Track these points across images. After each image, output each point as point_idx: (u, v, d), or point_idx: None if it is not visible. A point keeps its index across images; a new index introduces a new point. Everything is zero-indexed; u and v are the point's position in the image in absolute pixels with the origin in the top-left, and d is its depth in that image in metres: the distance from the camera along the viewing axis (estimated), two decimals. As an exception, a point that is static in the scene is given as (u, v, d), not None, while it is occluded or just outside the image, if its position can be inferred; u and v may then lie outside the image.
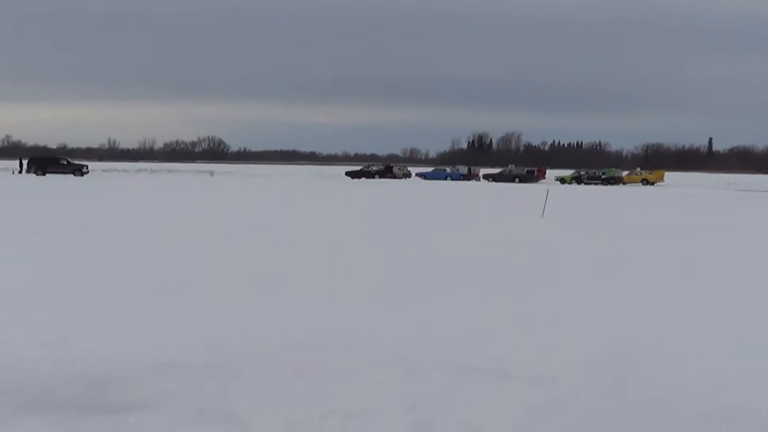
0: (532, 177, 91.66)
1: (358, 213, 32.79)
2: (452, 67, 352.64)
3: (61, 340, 9.43)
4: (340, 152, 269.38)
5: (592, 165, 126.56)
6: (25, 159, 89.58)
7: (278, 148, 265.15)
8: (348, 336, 9.99)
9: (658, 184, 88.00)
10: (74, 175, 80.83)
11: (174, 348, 9.17)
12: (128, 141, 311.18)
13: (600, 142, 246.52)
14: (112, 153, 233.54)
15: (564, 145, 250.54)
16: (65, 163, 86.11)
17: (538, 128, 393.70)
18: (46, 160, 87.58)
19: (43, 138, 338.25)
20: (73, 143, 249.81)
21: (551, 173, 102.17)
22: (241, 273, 14.76)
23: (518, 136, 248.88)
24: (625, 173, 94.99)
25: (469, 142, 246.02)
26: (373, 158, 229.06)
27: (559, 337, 10.17)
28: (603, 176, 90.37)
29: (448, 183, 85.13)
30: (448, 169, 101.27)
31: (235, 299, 12.15)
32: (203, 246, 19.04)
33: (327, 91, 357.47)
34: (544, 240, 22.63)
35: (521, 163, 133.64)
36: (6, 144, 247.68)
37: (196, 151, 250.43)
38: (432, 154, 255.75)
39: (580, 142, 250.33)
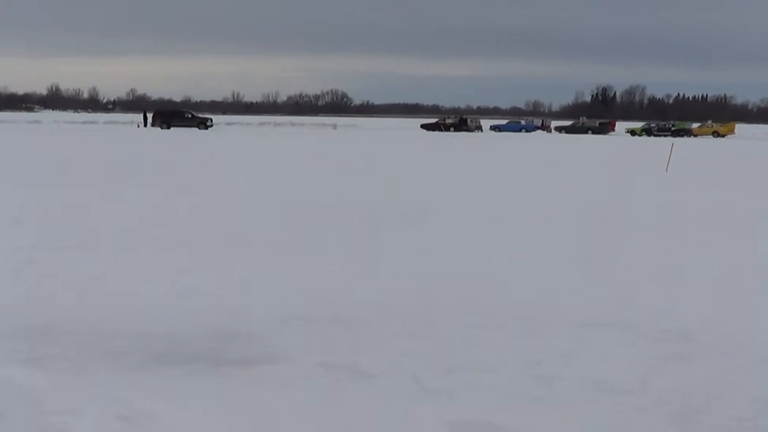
0: (605, 129, 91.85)
1: (465, 167, 32.62)
2: (577, 19, 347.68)
3: (191, 292, 9.63)
4: (462, 105, 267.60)
5: (717, 117, 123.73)
6: (149, 112, 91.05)
7: (401, 101, 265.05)
8: (472, 291, 9.98)
9: (728, 136, 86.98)
10: (198, 128, 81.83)
11: (299, 301, 9.24)
12: (252, 94, 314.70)
13: (725, 95, 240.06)
14: (236, 106, 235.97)
15: (689, 98, 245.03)
16: (189, 116, 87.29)
17: (663, 81, 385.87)
18: (170, 114, 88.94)
19: (167, 91, 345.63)
20: (197, 96, 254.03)
21: (637, 125, 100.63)
22: (358, 226, 14.80)
23: (642, 89, 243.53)
24: (695, 125, 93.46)
25: (592, 95, 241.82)
26: (495, 111, 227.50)
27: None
28: (673, 128, 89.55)
29: (529, 135, 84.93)
30: (523, 121, 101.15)
31: (352, 253, 12.20)
32: (321, 201, 19.13)
33: (450, 43, 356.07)
34: (682, 196, 22.20)
35: (645, 117, 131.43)
36: (131, 97, 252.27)
37: (319, 104, 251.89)
38: (555, 107, 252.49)
39: (705, 95, 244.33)
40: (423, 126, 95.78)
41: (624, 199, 20.39)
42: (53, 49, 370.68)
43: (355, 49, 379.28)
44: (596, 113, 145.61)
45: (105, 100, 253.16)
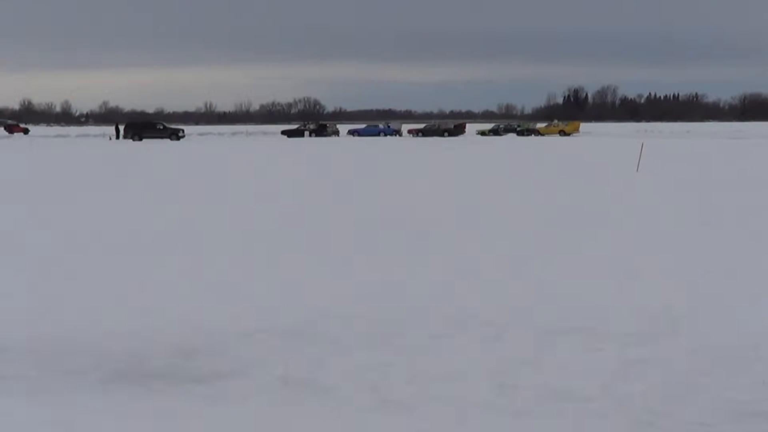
0: (460, 130, 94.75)
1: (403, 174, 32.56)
2: (548, 21, 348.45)
3: (151, 307, 9.52)
4: (435, 110, 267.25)
5: (688, 117, 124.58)
6: (121, 125, 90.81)
7: (373, 108, 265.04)
8: (431, 297, 9.93)
9: (573, 134, 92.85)
10: (170, 139, 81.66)
11: (256, 315, 9.15)
12: (225, 104, 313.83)
13: (697, 93, 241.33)
14: (209, 116, 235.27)
15: (660, 97, 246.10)
16: (161, 127, 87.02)
17: (635, 81, 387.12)
18: (142, 126, 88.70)
19: (140, 103, 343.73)
20: (169, 107, 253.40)
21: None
22: (308, 236, 14.72)
23: (614, 90, 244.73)
24: (542, 125, 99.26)
25: (564, 97, 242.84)
26: (468, 115, 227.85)
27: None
28: (518, 128, 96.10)
29: (385, 139, 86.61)
30: (381, 125, 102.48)
31: (308, 263, 12.12)
32: (283, 208, 19.04)
33: (422, 48, 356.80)
34: (663, 196, 22.24)
35: (617, 117, 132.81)
36: (104, 110, 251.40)
37: (292, 112, 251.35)
38: (528, 110, 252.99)
39: (676, 93, 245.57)
40: (284, 132, 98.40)
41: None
42: (25, 63, 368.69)
43: (327, 56, 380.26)
44: (568, 115, 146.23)
45: (78, 114, 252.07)
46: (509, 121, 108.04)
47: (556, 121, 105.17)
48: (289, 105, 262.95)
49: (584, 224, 16.01)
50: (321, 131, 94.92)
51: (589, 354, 7.72)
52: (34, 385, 6.98)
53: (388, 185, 25.90)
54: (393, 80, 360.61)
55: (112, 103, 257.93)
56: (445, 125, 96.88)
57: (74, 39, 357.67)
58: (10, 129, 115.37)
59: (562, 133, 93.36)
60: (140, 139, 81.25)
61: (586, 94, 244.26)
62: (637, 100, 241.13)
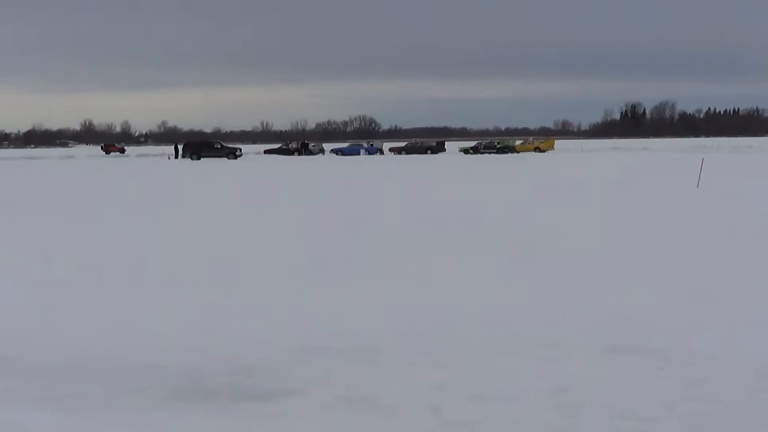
0: (441, 148, 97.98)
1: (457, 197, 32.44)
2: (606, 36, 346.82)
3: (211, 325, 9.58)
4: (491, 127, 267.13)
5: (749, 132, 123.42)
6: (180, 144, 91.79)
7: (429, 125, 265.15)
8: (486, 316, 9.88)
9: (548, 151, 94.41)
10: (228, 158, 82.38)
11: (319, 332, 9.19)
12: (281, 123, 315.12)
13: (758, 107, 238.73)
14: (265, 135, 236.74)
15: (720, 112, 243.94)
16: (219, 146, 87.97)
17: (693, 95, 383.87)
18: (200, 145, 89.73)
19: (198, 123, 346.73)
20: (227, 127, 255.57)
21: (628, 143, 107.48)
22: (370, 257, 14.71)
23: (672, 105, 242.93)
24: (518, 143, 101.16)
25: (621, 113, 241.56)
26: (524, 132, 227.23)
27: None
28: (498, 146, 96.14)
29: (368, 158, 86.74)
30: (365, 144, 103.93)
31: (368, 283, 12.11)
32: (342, 229, 19.08)
33: (478, 64, 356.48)
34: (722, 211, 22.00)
35: (676, 133, 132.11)
36: (162, 130, 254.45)
37: (347, 130, 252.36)
38: (584, 126, 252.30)
39: (737, 108, 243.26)
40: (267, 151, 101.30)
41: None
42: (86, 84, 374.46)
43: (382, 74, 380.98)
44: (626, 131, 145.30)
45: (137, 134, 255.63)
46: (491, 139, 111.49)
47: (531, 139, 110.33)
48: (345, 123, 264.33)
49: (644, 243, 15.81)
50: (304, 150, 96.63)
51: (651, 373, 7.63)
52: (98, 402, 7.05)
53: (414, 206, 25.86)
54: (449, 97, 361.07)
55: (171, 123, 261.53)
56: (427, 143, 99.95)
57: (134, 60, 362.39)
58: (108, 149, 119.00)
59: (537, 149, 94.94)
60: (198, 158, 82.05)
61: (644, 110, 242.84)
62: (696, 115, 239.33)
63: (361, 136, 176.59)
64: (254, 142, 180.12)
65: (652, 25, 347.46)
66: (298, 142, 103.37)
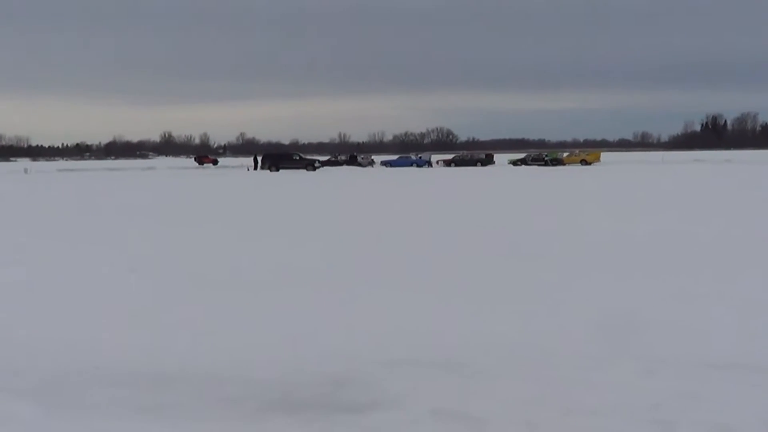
0: (491, 160, 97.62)
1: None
2: (686, 46, 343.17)
3: (300, 337, 9.65)
4: (569, 138, 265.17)
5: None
6: (259, 155, 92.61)
7: (506, 137, 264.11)
8: (577, 330, 9.82)
9: (594, 164, 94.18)
10: (306, 170, 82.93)
11: (407, 344, 9.22)
12: (359, 134, 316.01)
13: None
14: (342, 147, 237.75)
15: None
16: (298, 158, 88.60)
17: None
18: (279, 156, 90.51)
19: (275, 134, 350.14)
20: (304, 138, 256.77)
21: (709, 154, 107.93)
22: (454, 271, 14.71)
23: (755, 116, 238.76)
24: (565, 155, 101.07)
25: (702, 124, 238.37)
26: (603, 144, 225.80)
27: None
28: (546, 158, 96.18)
29: (420, 170, 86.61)
30: (413, 156, 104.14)
31: (453, 296, 12.11)
32: (425, 242, 19.10)
33: (556, 77, 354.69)
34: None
35: (758, 145, 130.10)
36: (241, 141, 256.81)
37: (425, 142, 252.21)
38: (664, 138, 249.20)
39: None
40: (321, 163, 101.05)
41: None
42: (165, 97, 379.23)
43: (460, 85, 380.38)
44: (707, 142, 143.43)
45: (215, 145, 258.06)
46: (540, 151, 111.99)
47: (577, 151, 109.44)
48: (422, 135, 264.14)
49: (737, 258, 15.61)
50: (353, 162, 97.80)
51: (747, 389, 7.54)
52: (192, 413, 7.13)
53: (500, 219, 25.80)
54: (527, 109, 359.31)
55: (249, 135, 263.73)
56: (476, 155, 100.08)
57: (213, 72, 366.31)
58: (201, 160, 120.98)
59: (583, 162, 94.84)
60: (277, 170, 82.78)
61: (725, 121, 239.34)
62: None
63: (438, 148, 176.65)
64: (332, 154, 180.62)
65: (733, 36, 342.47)
66: (347, 155, 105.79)
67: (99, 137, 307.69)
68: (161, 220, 26.41)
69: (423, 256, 16.08)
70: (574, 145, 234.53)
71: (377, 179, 60.92)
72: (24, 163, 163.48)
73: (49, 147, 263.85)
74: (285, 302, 11.71)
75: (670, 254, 15.87)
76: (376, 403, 7.29)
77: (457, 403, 7.24)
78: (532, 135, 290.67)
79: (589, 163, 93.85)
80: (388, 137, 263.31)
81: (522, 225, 22.45)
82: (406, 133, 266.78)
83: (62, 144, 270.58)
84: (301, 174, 74.78)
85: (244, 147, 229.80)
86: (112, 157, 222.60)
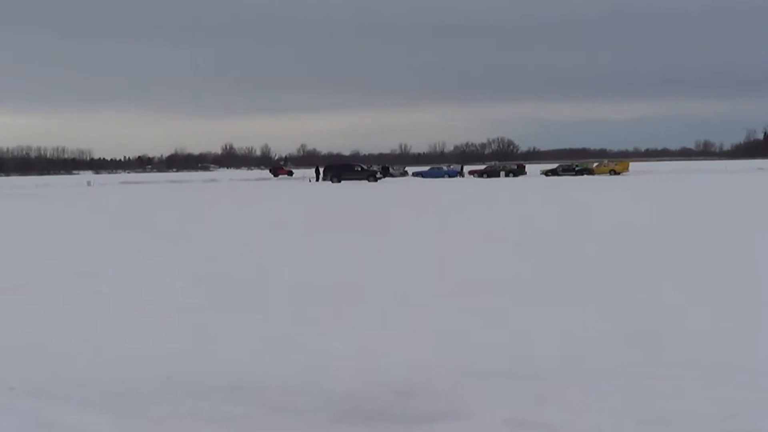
0: (522, 171, 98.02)
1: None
2: (748, 55, 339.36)
3: (370, 347, 9.64)
4: (630, 148, 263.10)
5: None
6: (321, 167, 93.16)
7: (567, 147, 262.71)
8: (652, 337, 9.70)
9: (623, 174, 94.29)
10: (368, 180, 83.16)
11: (475, 354, 9.16)
12: (419, 145, 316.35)
13: None
14: (403, 158, 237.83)
15: None
16: (359, 169, 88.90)
17: None
18: (341, 167, 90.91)
19: (336, 145, 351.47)
20: (365, 149, 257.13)
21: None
22: (522, 273, 14.63)
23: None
24: (594, 165, 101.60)
25: (765, 133, 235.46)
26: (664, 153, 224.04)
27: None
28: (577, 168, 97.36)
29: (453, 180, 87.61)
30: (445, 167, 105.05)
31: (523, 305, 12.06)
32: (494, 249, 19.03)
33: (616, 86, 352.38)
34: None
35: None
36: (302, 153, 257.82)
37: (485, 152, 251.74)
38: (726, 146, 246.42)
39: None
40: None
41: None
42: (226, 109, 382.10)
43: (521, 95, 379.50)
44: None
45: (276, 157, 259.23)
46: (571, 162, 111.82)
47: (606, 161, 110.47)
48: (483, 145, 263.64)
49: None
50: (385, 173, 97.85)
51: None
52: (264, 424, 7.14)
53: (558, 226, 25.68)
54: (588, 118, 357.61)
55: (310, 146, 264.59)
56: (508, 166, 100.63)
57: (273, 84, 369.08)
58: (276, 172, 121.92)
59: (612, 172, 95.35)
60: (339, 181, 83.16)
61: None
62: None
63: (499, 158, 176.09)
64: (392, 165, 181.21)
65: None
66: (379, 166, 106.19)
67: (161, 150, 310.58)
68: (230, 230, 26.58)
69: (481, 265, 16.05)
70: (636, 154, 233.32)
71: (427, 189, 61.00)
72: (87, 175, 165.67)
73: (111, 160, 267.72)
74: (353, 313, 11.73)
75: (713, 260, 15.70)
76: (448, 414, 7.25)
77: (529, 413, 7.18)
78: (594, 144, 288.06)
79: (618, 173, 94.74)
80: (449, 148, 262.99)
81: (561, 233, 22.29)
82: (467, 144, 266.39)
83: (124, 157, 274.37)
84: (363, 185, 75.00)
85: (305, 158, 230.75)
86: (174, 170, 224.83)
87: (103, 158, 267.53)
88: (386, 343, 9.80)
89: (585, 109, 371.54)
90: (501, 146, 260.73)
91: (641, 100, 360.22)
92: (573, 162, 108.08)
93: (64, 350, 9.78)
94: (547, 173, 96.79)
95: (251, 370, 8.74)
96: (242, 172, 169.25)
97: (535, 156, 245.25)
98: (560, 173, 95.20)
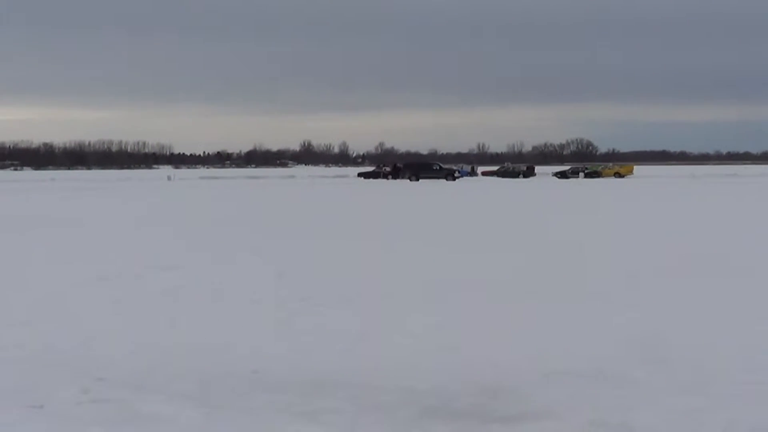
0: (532, 172, 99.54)
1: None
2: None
3: (454, 346, 9.64)
4: (711, 151, 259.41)
5: None
6: (399, 165, 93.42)
7: (647, 149, 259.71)
8: (749, 343, 9.60)
9: (627, 176, 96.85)
10: (446, 179, 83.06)
11: (560, 355, 9.15)
12: (497, 145, 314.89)
13: None
14: (481, 157, 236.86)
15: None
16: (437, 168, 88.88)
17: None
18: (419, 166, 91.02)
19: (414, 144, 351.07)
20: (443, 149, 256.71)
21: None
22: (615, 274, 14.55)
23: None
24: (601, 168, 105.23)
25: None
26: (746, 156, 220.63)
27: None
28: (586, 170, 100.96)
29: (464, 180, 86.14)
30: (457, 168, 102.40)
31: (609, 301, 11.98)
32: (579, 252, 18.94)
33: (697, 87, 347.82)
34: None
35: None
36: (379, 151, 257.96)
37: (564, 153, 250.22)
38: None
39: None
40: (360, 174, 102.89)
41: None
42: (305, 106, 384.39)
43: (602, 96, 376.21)
44: None
45: (354, 155, 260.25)
46: (583, 164, 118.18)
47: (611, 164, 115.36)
48: (561, 146, 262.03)
49: None
50: (396, 173, 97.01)
51: None
52: (350, 419, 7.20)
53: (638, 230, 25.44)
54: (668, 120, 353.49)
55: (388, 144, 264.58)
56: (518, 168, 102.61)
57: (352, 82, 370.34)
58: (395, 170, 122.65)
59: (617, 174, 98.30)
60: (417, 179, 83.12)
61: None
62: None
63: (578, 159, 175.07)
64: (469, 164, 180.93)
65: None
66: (390, 166, 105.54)
67: (240, 146, 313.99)
68: (313, 226, 26.75)
69: (572, 268, 16.00)
70: (716, 157, 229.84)
71: (502, 189, 60.70)
72: (166, 170, 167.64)
73: (190, 155, 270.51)
74: (440, 310, 11.76)
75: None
76: (533, 414, 7.25)
77: (615, 415, 7.15)
78: (673, 147, 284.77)
79: (623, 176, 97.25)
80: (527, 148, 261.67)
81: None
82: (545, 144, 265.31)
83: (203, 152, 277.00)
84: (442, 184, 74.94)
85: (382, 156, 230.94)
86: (252, 166, 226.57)
87: (183, 153, 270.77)
88: (474, 342, 9.81)
89: (666, 110, 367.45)
90: (580, 147, 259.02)
91: (723, 102, 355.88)
92: (583, 164, 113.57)
93: (149, 343, 9.94)
94: (558, 175, 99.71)
95: (335, 366, 8.80)
96: (320, 169, 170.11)
97: (614, 157, 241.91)
98: (569, 176, 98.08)
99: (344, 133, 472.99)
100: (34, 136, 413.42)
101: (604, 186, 67.46)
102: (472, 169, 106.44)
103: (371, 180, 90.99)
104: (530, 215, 32.25)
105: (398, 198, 48.53)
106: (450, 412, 7.36)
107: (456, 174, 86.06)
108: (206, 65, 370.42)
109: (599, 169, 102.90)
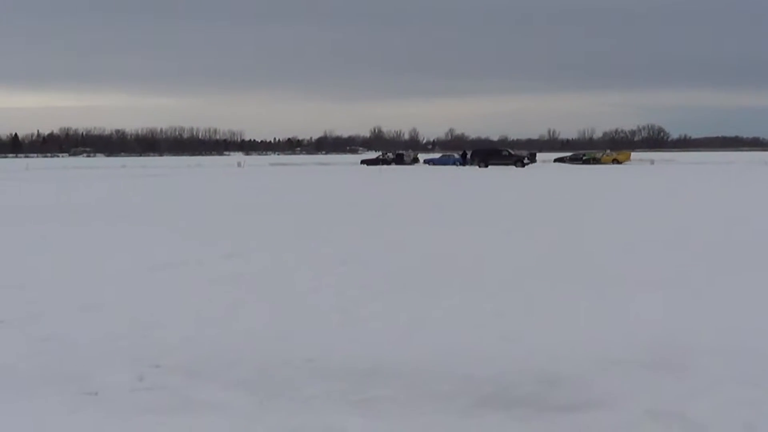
0: (533, 159, 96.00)
1: None
2: None
3: (512, 335, 9.56)
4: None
5: None
6: (468, 151, 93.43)
7: (719, 135, 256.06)
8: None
9: (625, 162, 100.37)
10: (516, 166, 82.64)
11: (620, 344, 9.02)
12: (568, 131, 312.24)
13: None
14: (552, 143, 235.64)
15: None
16: (507, 154, 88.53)
17: None
18: (488, 152, 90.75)
19: (484, 130, 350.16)
20: (513, 135, 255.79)
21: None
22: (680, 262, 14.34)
23: None
24: (600, 155, 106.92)
25: None
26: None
27: None
28: (584, 158, 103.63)
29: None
30: (456, 155, 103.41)
31: (667, 290, 11.82)
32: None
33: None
34: None
35: None
36: (449, 137, 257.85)
37: (635, 139, 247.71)
38: None
39: None
40: (363, 161, 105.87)
41: None
42: (375, 92, 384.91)
43: (673, 82, 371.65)
44: None
45: (424, 141, 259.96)
46: (585, 151, 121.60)
47: (608, 151, 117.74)
48: (633, 132, 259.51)
49: None
50: (399, 160, 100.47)
51: None
52: (406, 407, 7.18)
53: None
54: (741, 106, 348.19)
55: (458, 131, 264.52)
56: (518, 154, 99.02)
57: (422, 68, 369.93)
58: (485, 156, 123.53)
59: (615, 161, 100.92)
60: (486, 166, 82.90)
61: None
62: None
63: (649, 146, 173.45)
64: (540, 150, 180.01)
65: None
66: (393, 153, 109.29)
67: (310, 132, 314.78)
68: (380, 213, 26.70)
69: (626, 253, 15.81)
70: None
71: (574, 176, 60.30)
72: (237, 156, 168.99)
73: (261, 141, 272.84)
74: (494, 299, 11.68)
75: None
76: (591, 403, 7.18)
77: (673, 404, 7.06)
78: (746, 133, 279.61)
79: (621, 162, 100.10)
80: (598, 134, 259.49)
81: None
82: (616, 131, 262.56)
83: (274, 138, 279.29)
84: (512, 170, 74.60)
85: (452, 143, 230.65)
86: (323, 152, 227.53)
87: (254, 140, 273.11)
88: (532, 330, 9.74)
89: (738, 96, 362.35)
90: (651, 133, 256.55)
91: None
92: (582, 152, 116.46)
93: (208, 330, 9.99)
94: (558, 160, 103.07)
95: (391, 354, 8.78)
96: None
97: (686, 144, 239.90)
98: (567, 162, 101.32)
99: (415, 120, 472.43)
100: (107, 123, 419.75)
101: (622, 172, 66.69)
102: (532, 155, 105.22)
103: (438, 167, 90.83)
104: (602, 202, 32.01)
105: (466, 183, 48.31)
106: (508, 400, 7.33)
107: (525, 160, 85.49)
108: (278, 52, 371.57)
109: (597, 156, 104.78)
